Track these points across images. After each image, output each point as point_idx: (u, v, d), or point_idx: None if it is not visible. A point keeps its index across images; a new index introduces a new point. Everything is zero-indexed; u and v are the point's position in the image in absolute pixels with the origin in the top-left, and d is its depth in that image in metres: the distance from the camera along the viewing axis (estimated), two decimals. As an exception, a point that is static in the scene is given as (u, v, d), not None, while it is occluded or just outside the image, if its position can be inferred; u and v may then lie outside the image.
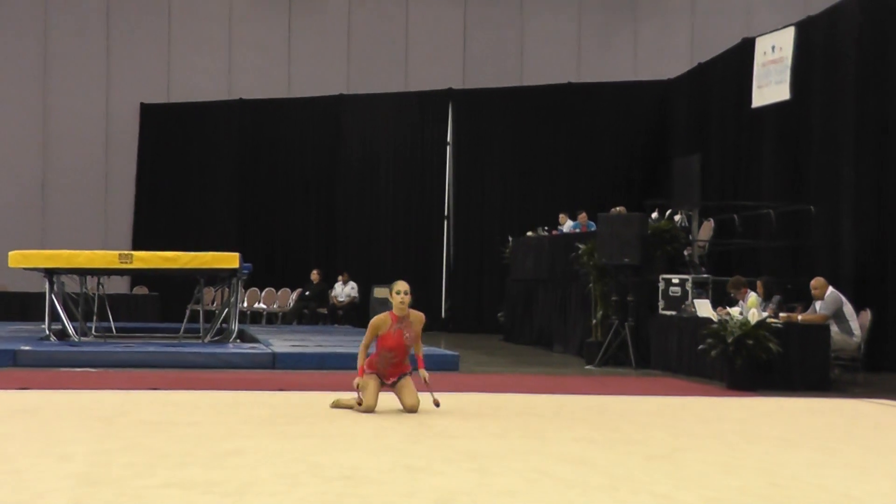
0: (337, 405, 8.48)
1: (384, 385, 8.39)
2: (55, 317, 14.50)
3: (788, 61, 15.93)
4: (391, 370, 8.36)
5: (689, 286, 13.38)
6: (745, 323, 10.91)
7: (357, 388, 8.17)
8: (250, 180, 24.45)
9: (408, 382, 8.38)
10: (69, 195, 24.33)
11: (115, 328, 16.83)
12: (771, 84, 16.36)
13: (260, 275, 20.60)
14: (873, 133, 14.91)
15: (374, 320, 8.30)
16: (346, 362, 12.13)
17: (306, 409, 8.44)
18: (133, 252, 15.41)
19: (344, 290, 21.82)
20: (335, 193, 24.27)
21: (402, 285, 8.30)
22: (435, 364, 12.01)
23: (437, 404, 8.20)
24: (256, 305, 22.49)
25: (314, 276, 21.76)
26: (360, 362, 8.25)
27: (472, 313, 22.91)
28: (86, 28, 24.59)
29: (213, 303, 20.51)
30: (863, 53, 15.09)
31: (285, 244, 24.33)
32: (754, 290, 12.89)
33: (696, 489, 5.35)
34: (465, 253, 23.56)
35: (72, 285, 15.57)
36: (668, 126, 21.95)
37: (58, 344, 13.70)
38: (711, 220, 16.03)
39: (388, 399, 8.50)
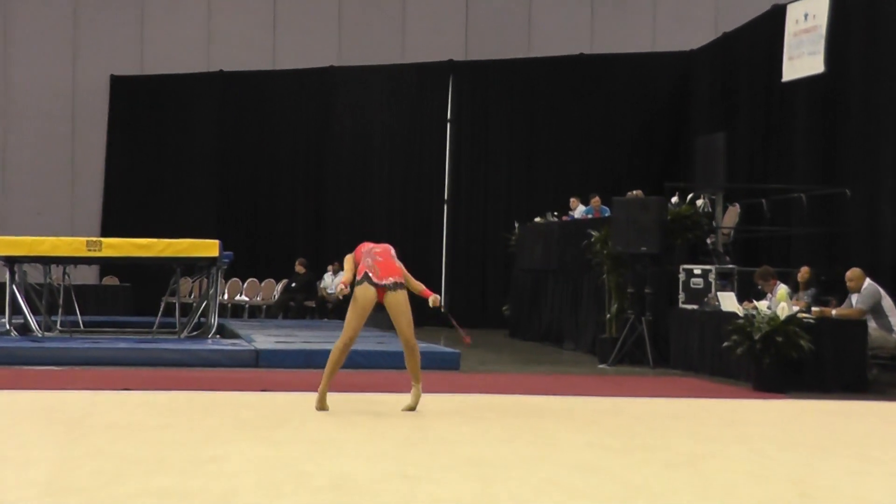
0: (322, 404, 8.45)
1: (378, 292, 8.55)
2: (16, 310, 14.49)
3: (823, 30, 15.86)
4: (381, 267, 8.70)
5: (712, 277, 13.37)
6: (774, 318, 10.90)
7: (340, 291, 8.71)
8: (231, 160, 24.40)
9: (402, 303, 8.55)
10: (32, 176, 24.28)
11: (83, 322, 16.82)
12: (803, 55, 16.30)
13: (242, 264, 20.58)
14: (916, 109, 14.88)
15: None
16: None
17: (292, 411, 8.44)
18: (102, 239, 15.40)
19: (334, 282, 21.82)
20: (325, 175, 24.23)
21: None
22: (434, 363, 12.06)
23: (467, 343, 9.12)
24: (238, 298, 22.49)
25: (298, 266, 21.74)
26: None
27: (474, 306, 22.86)
28: (50, -8, 24.55)
29: (190, 295, 20.51)
30: (905, 22, 15.04)
31: (270, 231, 24.29)
32: (785, 281, 12.87)
33: (720, 500, 5.35)
34: (466, 240, 23.54)
35: (35, 275, 15.56)
36: (690, 102, 21.90)
37: (19, 339, 13.70)
38: (737, 205, 16.02)
39: (381, 400, 8.48)
